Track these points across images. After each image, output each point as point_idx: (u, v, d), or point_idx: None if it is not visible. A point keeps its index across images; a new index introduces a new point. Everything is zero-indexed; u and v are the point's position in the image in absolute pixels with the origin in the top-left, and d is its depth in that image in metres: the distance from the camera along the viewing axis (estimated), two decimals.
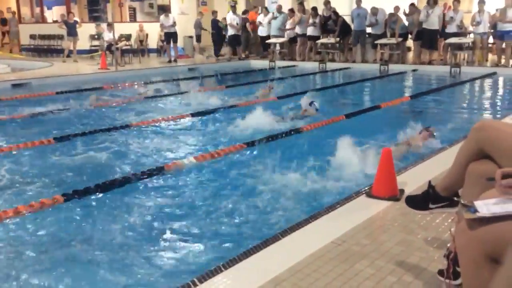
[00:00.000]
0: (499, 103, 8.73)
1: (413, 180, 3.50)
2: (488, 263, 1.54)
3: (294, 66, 14.80)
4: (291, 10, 15.79)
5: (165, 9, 16.89)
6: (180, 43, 16.67)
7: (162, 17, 15.73)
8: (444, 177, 2.26)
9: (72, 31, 15.53)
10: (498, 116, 6.96)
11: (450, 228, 2.31)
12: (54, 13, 21.73)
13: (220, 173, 4.45)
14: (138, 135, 6.00)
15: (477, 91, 10.68)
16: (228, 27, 16.20)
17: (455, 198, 2.25)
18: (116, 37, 14.04)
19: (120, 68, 13.49)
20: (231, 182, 4.18)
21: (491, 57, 14.52)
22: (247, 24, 16.76)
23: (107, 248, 2.97)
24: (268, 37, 16.16)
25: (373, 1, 14.43)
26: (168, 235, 3.18)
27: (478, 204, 1.56)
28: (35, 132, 6.08)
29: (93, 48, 16.83)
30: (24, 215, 3.41)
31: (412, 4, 14.05)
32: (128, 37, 16.59)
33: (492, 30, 13.24)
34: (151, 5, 20.68)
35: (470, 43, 13.24)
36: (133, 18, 20.74)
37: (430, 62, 13.67)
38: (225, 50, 17.21)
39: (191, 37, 18.11)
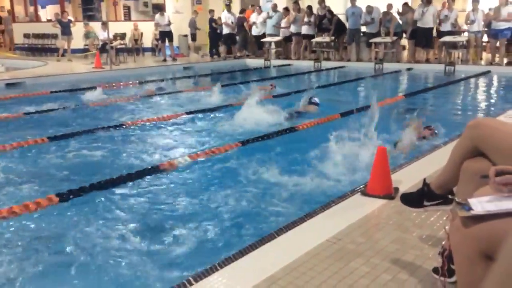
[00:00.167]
0: (493, 102, 8.77)
1: (407, 179, 3.52)
2: (482, 261, 1.55)
3: (289, 65, 14.81)
4: (286, 9, 15.79)
5: (160, 8, 16.87)
6: (175, 42, 16.63)
7: (157, 16, 15.69)
8: (439, 175, 2.27)
9: (66, 30, 15.48)
10: (492, 114, 6.99)
11: (445, 226, 2.31)
12: (48, 12, 21.64)
13: (214, 172, 4.45)
14: (133, 134, 5.99)
15: (471, 90, 10.72)
16: (223, 26, 16.18)
17: (450, 196, 2.26)
18: (111, 36, 14.00)
19: (114, 67, 13.45)
20: (225, 181, 4.18)
21: (485, 55, 14.58)
22: (245, 23, 16.73)
23: (102, 248, 2.96)
24: (262, 36, 16.16)
25: None
26: (163, 234, 3.17)
27: (472, 202, 1.57)
28: (29, 131, 6.05)
29: (86, 47, 16.77)
30: (19, 215, 3.39)
31: (405, 4, 14.08)
32: (122, 36, 16.53)
33: (486, 29, 13.29)
34: (145, 4, 20.61)
35: (465, 42, 13.29)
36: (127, 17, 20.68)
37: (426, 61, 13.71)
38: (221, 49, 17.19)
39: (186, 36, 18.07)
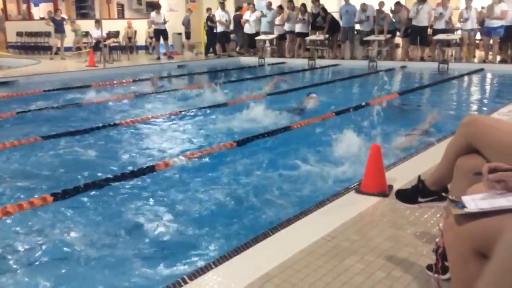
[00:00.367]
0: (486, 99, 8.81)
1: (402, 176, 3.52)
2: (475, 258, 1.55)
3: (283, 63, 14.81)
4: (280, 7, 15.79)
5: (153, 6, 16.77)
6: (169, 40, 16.59)
7: (153, 13, 15.61)
8: (433, 172, 2.28)
9: (59, 28, 15.40)
10: (486, 111, 7.03)
11: (439, 223, 2.32)
12: (41, 10, 21.52)
13: (208, 171, 4.44)
14: (127, 133, 5.96)
15: (465, 87, 10.76)
16: (217, 24, 16.15)
17: (443, 194, 2.27)
18: (104, 34, 13.94)
19: (108, 65, 13.39)
20: (220, 179, 4.17)
21: (478, 53, 14.64)
22: (242, 21, 16.68)
23: (96, 247, 2.95)
24: (255, 34, 16.14)
25: None
26: (158, 233, 3.17)
27: (465, 199, 1.57)
28: (22, 130, 6.01)
29: (79, 45, 16.72)
30: (13, 215, 3.37)
31: (398, 3, 14.11)
32: (116, 34, 16.48)
33: (479, 27, 13.35)
34: (139, 2, 20.54)
35: (458, 40, 13.34)
36: (121, 15, 20.60)
37: (421, 59, 13.74)
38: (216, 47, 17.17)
39: (180, 34, 18.03)
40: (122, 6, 20.84)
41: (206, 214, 3.46)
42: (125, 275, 2.65)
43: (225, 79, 10.56)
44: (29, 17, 20.57)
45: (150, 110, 7.47)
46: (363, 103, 7.35)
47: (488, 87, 10.85)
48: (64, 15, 16.63)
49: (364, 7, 14.17)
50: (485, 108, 7.56)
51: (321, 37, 14.99)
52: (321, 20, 14.97)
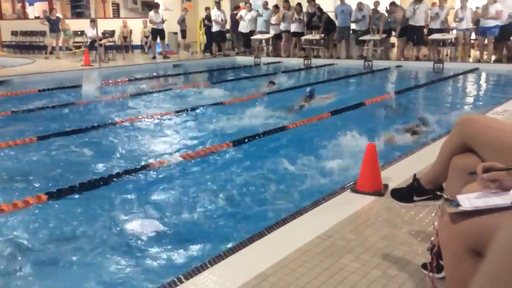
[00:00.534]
0: (481, 98, 8.85)
1: (397, 175, 3.53)
2: (470, 257, 1.56)
3: (279, 62, 14.81)
4: (276, 6, 15.79)
5: (149, 5, 16.73)
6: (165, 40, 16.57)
7: (151, 13, 15.57)
8: (428, 170, 2.29)
9: (55, 27, 15.34)
10: (480, 111, 7.05)
11: (434, 222, 2.33)
12: (36, 9, 21.43)
13: (205, 170, 4.44)
14: (123, 132, 5.95)
15: (460, 87, 10.80)
16: (213, 23, 16.13)
17: (438, 193, 2.28)
18: (100, 33, 13.90)
19: (103, 64, 13.35)
20: (216, 179, 4.17)
21: (473, 53, 14.69)
22: (237, 17, 16.63)
23: (91, 247, 2.94)
24: (250, 33, 16.13)
25: None
26: (153, 232, 3.16)
27: (460, 198, 1.58)
28: (17, 130, 5.99)
29: (75, 44, 16.65)
30: (7, 214, 3.36)
31: (393, 3, 14.12)
32: (111, 33, 16.43)
33: (474, 26, 13.39)
34: (134, 1, 20.48)
35: (453, 39, 13.37)
36: (116, 14, 20.54)
37: (417, 58, 13.77)
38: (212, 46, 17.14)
39: (175, 33, 17.99)
40: (118, 5, 20.77)
41: (202, 214, 3.45)
42: (120, 275, 2.64)
43: (221, 78, 10.55)
44: (24, 16, 20.47)
45: (146, 109, 7.45)
46: (358, 102, 7.37)
47: (483, 87, 10.89)
48: (59, 14, 16.56)
49: (360, 6, 14.18)
50: (480, 108, 7.59)
51: (317, 36, 15.01)
52: (316, 19, 14.98)
